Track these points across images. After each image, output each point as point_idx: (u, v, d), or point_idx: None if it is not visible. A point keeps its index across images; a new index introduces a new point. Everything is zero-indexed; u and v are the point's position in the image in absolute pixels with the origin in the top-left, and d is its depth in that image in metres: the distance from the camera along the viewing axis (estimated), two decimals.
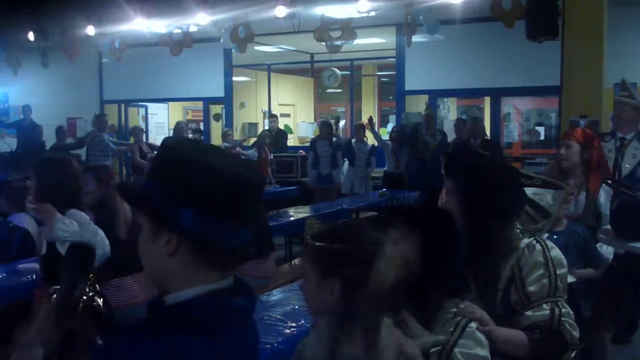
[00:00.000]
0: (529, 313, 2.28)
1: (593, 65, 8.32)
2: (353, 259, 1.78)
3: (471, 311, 2.08)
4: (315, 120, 17.49)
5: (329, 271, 1.80)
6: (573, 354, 2.34)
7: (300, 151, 12.66)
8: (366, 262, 1.73)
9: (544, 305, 2.28)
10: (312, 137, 13.03)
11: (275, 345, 3.06)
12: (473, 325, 2.00)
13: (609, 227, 4.28)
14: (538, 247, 2.36)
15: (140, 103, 15.66)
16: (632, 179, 4.85)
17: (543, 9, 8.13)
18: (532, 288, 2.29)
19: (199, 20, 10.40)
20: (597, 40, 8.37)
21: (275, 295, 3.87)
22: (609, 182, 4.41)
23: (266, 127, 13.73)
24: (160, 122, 16.38)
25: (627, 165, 4.99)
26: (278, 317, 3.41)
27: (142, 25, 10.64)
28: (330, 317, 1.81)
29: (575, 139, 4.26)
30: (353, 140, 11.11)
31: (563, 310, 2.29)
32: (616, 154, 4.95)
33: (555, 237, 3.42)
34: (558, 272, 2.33)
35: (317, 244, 1.84)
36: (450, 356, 1.93)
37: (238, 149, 11.63)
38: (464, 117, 11.87)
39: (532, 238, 2.40)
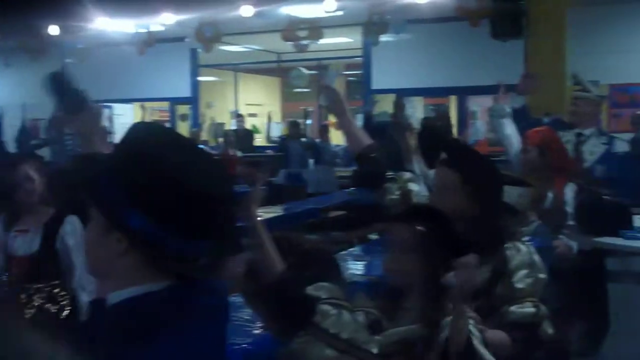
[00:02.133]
0: (513, 309, 2.31)
1: (556, 63, 8.45)
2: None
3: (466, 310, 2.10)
4: (282, 120, 17.46)
5: None
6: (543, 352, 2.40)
7: (268, 151, 12.62)
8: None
9: (528, 304, 2.33)
10: (279, 136, 13.01)
11: (244, 345, 3.05)
12: (472, 322, 2.03)
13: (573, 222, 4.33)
14: (524, 248, 2.42)
15: (104, 103, 15.48)
16: (590, 176, 4.77)
17: (507, 9, 8.24)
18: (519, 285, 2.33)
19: (164, 19, 10.33)
20: (560, 39, 8.51)
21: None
22: (573, 178, 4.43)
23: (234, 127, 13.68)
24: (126, 122, 16.20)
25: (585, 163, 4.91)
26: (247, 317, 3.40)
27: (106, 25, 10.53)
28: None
29: (532, 142, 4.13)
30: (318, 140, 11.15)
31: (546, 310, 2.36)
32: (574, 150, 4.83)
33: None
34: (539, 276, 2.39)
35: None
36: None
37: None
38: (432, 116, 11.93)
39: (518, 240, 2.46)
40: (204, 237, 1.31)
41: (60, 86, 1.85)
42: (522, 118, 5.00)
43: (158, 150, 1.28)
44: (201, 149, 1.43)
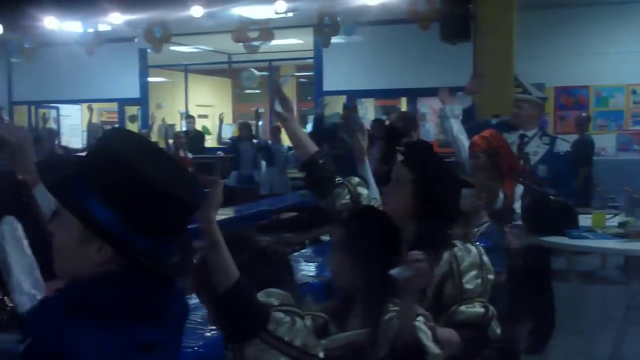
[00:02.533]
0: (462, 308, 2.36)
1: (503, 66, 8.58)
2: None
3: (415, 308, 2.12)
4: (233, 121, 17.38)
5: None
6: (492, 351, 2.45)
7: (219, 152, 12.54)
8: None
9: (477, 304, 2.37)
10: (230, 137, 12.93)
11: (196, 348, 3.03)
12: (421, 319, 2.05)
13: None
14: (474, 249, 2.45)
15: (51, 104, 15.18)
16: (534, 176, 4.84)
17: (456, 12, 8.36)
18: (468, 286, 2.37)
19: (113, 19, 10.18)
20: (507, 42, 8.64)
21: (196, 298, 3.82)
22: (520, 179, 4.52)
23: (184, 128, 13.55)
24: (73, 124, 15.92)
25: (529, 163, 5.00)
26: (199, 320, 3.37)
27: (53, 24, 10.33)
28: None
29: (480, 148, 4.14)
30: (270, 142, 11.11)
31: (494, 310, 2.40)
32: (517, 150, 4.88)
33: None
34: (489, 276, 2.43)
35: None
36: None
37: None
38: (383, 117, 12.00)
39: (468, 242, 2.49)
40: (176, 237, 1.37)
41: None
42: (470, 118, 5.09)
43: (135, 156, 1.30)
44: (170, 155, 1.47)
